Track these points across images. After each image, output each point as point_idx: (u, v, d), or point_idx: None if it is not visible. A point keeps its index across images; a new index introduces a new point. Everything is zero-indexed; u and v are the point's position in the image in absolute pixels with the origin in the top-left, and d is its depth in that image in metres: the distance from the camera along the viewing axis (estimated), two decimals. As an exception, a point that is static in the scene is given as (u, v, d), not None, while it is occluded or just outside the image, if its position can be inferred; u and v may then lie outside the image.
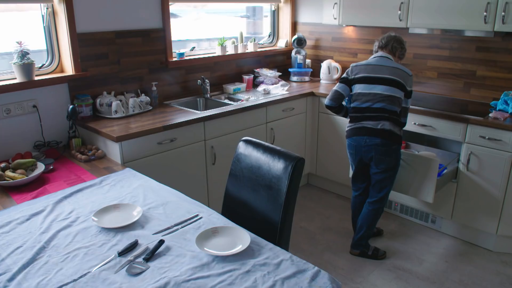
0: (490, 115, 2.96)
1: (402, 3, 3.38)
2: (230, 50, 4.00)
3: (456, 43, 3.50)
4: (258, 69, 4.20)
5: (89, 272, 1.50)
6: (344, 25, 4.09)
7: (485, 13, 2.96)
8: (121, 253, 1.60)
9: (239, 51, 4.07)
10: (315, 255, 3.07)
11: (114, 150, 2.65)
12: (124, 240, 1.69)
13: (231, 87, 3.85)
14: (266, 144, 2.08)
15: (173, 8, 3.48)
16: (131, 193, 2.10)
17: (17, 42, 2.64)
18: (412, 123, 3.22)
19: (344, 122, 3.66)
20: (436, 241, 3.26)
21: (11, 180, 2.23)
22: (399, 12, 3.41)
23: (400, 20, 3.42)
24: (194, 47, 3.86)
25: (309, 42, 4.51)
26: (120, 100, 3.07)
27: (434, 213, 3.32)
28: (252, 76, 4.11)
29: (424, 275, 2.86)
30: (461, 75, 3.53)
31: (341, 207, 3.81)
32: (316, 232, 3.38)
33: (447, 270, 2.92)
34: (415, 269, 2.92)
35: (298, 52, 4.35)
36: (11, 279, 1.46)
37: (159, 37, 3.40)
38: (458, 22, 3.15)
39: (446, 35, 3.52)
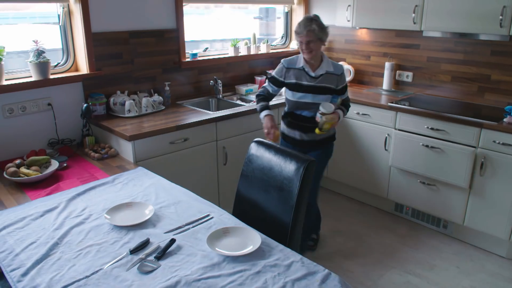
0: (505, 120, 2.93)
1: (416, 6, 3.36)
2: (242, 51, 4.01)
3: (470, 46, 3.47)
4: (270, 71, 4.19)
5: (101, 269, 1.52)
6: (357, 28, 4.08)
7: (500, 17, 2.93)
8: (133, 251, 1.61)
9: (252, 52, 4.08)
10: (325, 258, 3.06)
11: (126, 149, 2.68)
12: (136, 238, 1.70)
13: (243, 88, 3.86)
14: (278, 145, 2.08)
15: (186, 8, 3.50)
16: (143, 192, 2.11)
17: (33, 41, 2.68)
18: (425, 126, 3.20)
19: (356, 125, 3.65)
20: (447, 246, 3.23)
21: (26, 177, 2.27)
22: (413, 15, 3.39)
23: (414, 23, 3.40)
24: (207, 48, 3.87)
25: (322, 44, 4.50)
26: (133, 100, 3.09)
27: (446, 218, 3.29)
28: (265, 77, 4.11)
29: (434, 280, 2.84)
30: (475, 79, 3.49)
31: (352, 210, 3.79)
32: (326, 235, 3.37)
33: (458, 276, 2.89)
34: (426, 274, 2.89)
35: (310, 54, 4.34)
36: (24, 274, 1.48)
37: (172, 37, 3.42)
38: (473, 25, 3.12)
39: (460, 38, 3.49)
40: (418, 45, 3.76)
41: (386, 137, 3.46)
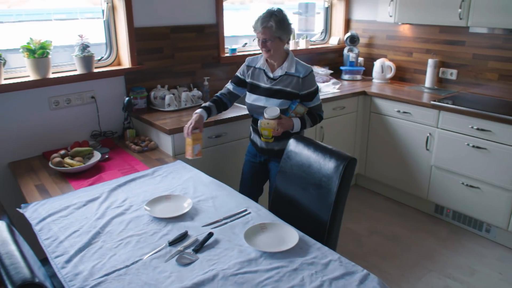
0: (557, 121, 2.78)
1: (463, 0, 3.23)
2: (281, 47, 3.98)
3: (521, 43, 3.31)
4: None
5: (140, 259, 1.55)
6: (399, 23, 3.97)
7: (555, 12, 2.78)
8: (172, 243, 1.63)
9: (291, 48, 4.04)
10: (361, 258, 3.02)
11: (166, 142, 2.72)
12: (175, 230, 1.73)
13: (281, 84, 3.83)
14: (317, 142, 2.06)
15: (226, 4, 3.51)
16: (182, 185, 2.14)
17: (79, 36, 2.75)
18: (470, 126, 3.08)
19: (396, 123, 3.57)
20: (490, 251, 3.11)
21: (70, 167, 2.34)
22: (460, 10, 3.26)
23: (461, 18, 3.27)
24: (246, 43, 3.87)
25: (362, 40, 4.41)
26: (173, 94, 3.13)
27: (489, 221, 3.16)
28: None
29: (475, 286, 2.74)
30: (525, 77, 3.33)
31: (390, 209, 3.71)
32: (362, 234, 3.32)
33: (501, 282, 2.78)
34: (466, 279, 2.80)
35: (350, 50, 4.27)
36: (68, 261, 1.53)
37: (212, 32, 3.44)
38: (524, 21, 2.97)
39: (509, 35, 3.33)
40: (464, 42, 3.63)
41: (427, 136, 3.36)
